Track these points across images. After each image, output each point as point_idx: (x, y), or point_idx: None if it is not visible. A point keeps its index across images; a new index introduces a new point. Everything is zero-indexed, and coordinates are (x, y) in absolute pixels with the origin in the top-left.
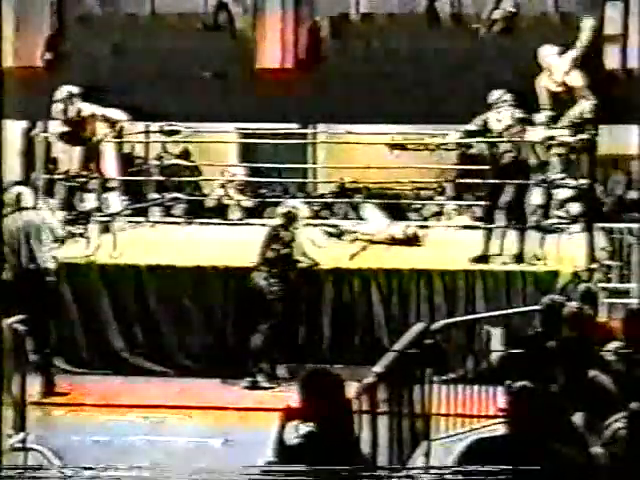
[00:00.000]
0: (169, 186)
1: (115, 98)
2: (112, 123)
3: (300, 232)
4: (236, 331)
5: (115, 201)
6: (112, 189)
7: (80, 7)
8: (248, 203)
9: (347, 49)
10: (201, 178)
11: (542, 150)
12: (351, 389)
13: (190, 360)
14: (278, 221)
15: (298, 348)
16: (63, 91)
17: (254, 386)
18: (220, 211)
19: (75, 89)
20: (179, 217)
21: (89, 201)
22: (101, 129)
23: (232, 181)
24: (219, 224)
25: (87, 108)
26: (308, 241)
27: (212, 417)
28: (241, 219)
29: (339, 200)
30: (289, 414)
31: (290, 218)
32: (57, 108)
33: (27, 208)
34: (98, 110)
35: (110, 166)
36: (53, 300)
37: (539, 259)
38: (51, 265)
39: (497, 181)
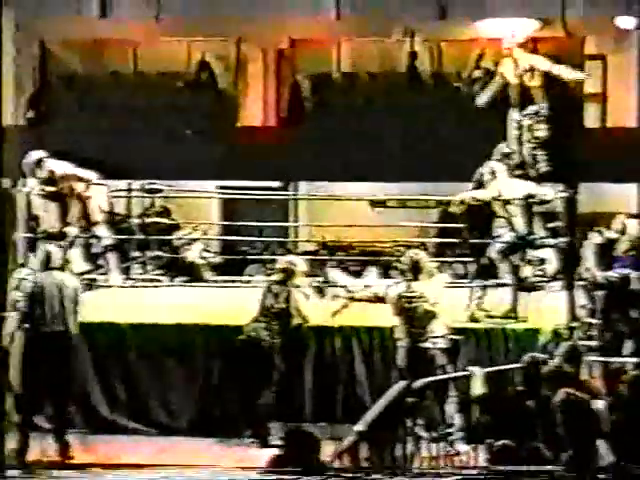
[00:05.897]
0: (150, 244)
1: (95, 155)
2: (86, 182)
3: (296, 287)
4: (227, 388)
5: (113, 261)
6: (109, 250)
7: (63, 66)
8: (215, 260)
9: (329, 107)
10: (171, 237)
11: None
12: (331, 448)
13: (171, 419)
14: (275, 276)
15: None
16: (32, 156)
17: (266, 444)
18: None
19: (43, 153)
20: (162, 275)
21: (73, 257)
22: (79, 186)
23: (195, 240)
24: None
25: (59, 168)
26: (302, 297)
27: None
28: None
29: (311, 257)
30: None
31: (288, 273)
32: (29, 172)
33: (55, 268)
34: (70, 170)
35: (96, 221)
36: (73, 363)
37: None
38: (74, 328)
39: (478, 240)
